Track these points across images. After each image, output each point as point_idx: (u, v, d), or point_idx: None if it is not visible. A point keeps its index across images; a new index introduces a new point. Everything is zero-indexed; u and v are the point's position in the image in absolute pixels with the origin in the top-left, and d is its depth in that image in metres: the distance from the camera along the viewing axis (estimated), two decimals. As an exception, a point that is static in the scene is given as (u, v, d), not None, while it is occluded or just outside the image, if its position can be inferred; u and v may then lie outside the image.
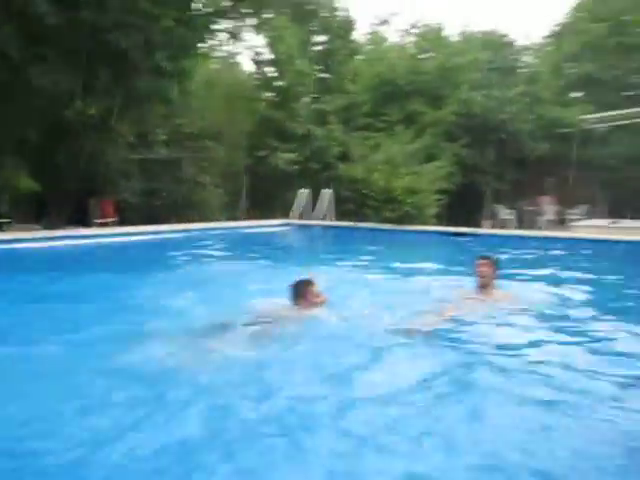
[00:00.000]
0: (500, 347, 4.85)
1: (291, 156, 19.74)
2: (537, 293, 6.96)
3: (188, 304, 5.92)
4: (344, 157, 20.55)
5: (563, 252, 12.91)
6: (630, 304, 6.85)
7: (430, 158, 20.86)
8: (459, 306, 6.05)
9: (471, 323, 5.55)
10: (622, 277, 8.80)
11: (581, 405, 3.74)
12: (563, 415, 3.57)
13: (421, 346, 4.88)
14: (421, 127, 21.62)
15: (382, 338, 4.95)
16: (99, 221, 15.44)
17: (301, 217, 17.45)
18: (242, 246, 12.82)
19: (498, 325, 5.57)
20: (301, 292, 5.66)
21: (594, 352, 4.80)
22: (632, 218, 19.70)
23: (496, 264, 6.63)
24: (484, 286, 6.46)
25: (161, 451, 3.05)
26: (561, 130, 25.99)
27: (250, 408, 3.59)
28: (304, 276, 5.86)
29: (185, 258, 10.09)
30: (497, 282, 6.60)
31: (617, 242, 14.36)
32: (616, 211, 23.06)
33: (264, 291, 6.34)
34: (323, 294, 5.70)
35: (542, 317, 5.84)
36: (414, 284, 7.50)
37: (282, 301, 5.63)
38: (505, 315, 5.82)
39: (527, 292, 6.88)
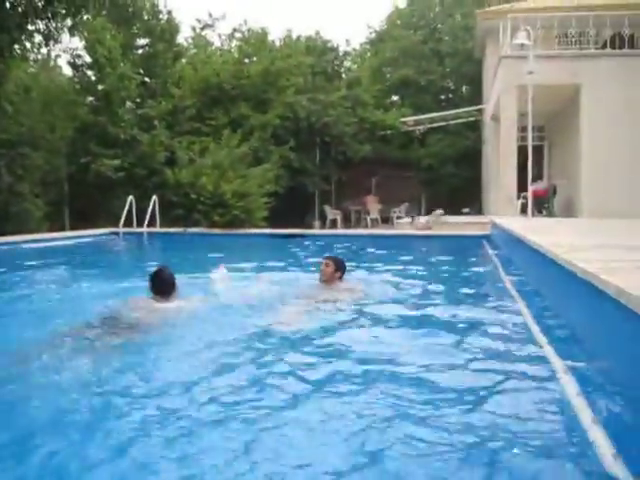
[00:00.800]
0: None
1: (115, 162, 19.22)
2: (376, 285, 7.68)
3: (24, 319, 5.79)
4: (171, 162, 20.30)
5: (390, 248, 13.77)
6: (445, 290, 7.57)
7: (258, 162, 21.15)
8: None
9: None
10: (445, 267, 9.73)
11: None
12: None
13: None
14: (248, 131, 21.82)
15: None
16: None
17: (129, 225, 17.05)
18: (66, 258, 12.39)
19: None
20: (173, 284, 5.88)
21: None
22: (446, 214, 21.01)
23: (339, 264, 7.23)
24: (326, 282, 7.10)
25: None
26: (382, 132, 27.18)
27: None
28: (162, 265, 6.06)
29: (5, 274, 9.63)
30: (347, 279, 7.29)
31: (436, 237, 15.40)
32: (433, 208, 24.53)
33: (98, 302, 6.22)
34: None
35: (371, 303, 6.48)
36: (256, 284, 7.81)
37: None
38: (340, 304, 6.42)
39: (371, 284, 7.58)
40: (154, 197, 17.84)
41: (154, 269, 6.03)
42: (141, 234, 16.86)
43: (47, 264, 10.90)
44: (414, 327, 5.57)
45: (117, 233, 16.78)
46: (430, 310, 6.27)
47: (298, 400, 3.64)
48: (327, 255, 7.46)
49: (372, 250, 13.50)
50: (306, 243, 15.11)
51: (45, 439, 3.18)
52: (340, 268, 7.25)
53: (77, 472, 2.83)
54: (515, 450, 2.97)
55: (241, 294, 6.95)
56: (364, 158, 26.27)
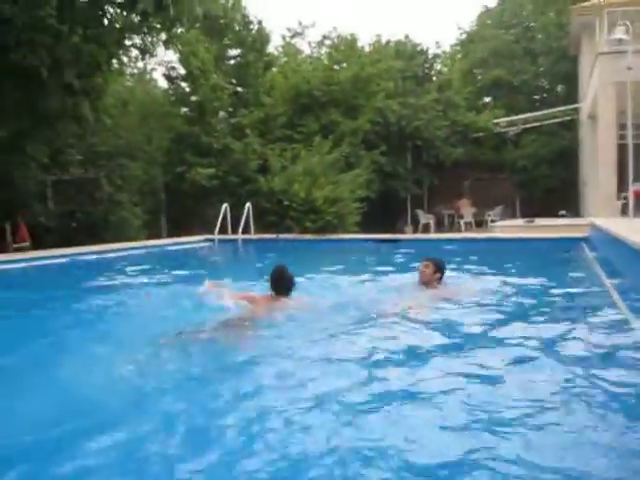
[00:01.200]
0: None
1: (210, 171, 19.65)
2: (475, 288, 7.56)
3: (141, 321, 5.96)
4: (264, 170, 20.57)
5: (485, 251, 13.68)
6: (551, 300, 7.19)
7: (349, 167, 21.18)
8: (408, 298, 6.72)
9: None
10: (541, 273, 9.14)
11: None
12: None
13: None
14: (339, 137, 21.89)
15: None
16: (15, 246, 14.96)
17: (223, 232, 17.36)
18: (165, 264, 12.63)
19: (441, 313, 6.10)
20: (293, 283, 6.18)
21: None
22: (541, 216, 20.53)
23: (438, 265, 7.27)
24: (426, 283, 7.15)
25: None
26: (475, 134, 26.78)
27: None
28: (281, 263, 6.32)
29: (112, 279, 9.93)
30: (446, 281, 7.33)
31: (534, 240, 15.17)
32: (527, 210, 23.99)
33: (199, 307, 6.27)
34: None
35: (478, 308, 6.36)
36: (360, 286, 7.91)
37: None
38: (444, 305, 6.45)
39: (470, 286, 7.58)
40: (248, 204, 18.08)
41: (275, 268, 6.33)
42: (235, 241, 17.07)
43: (148, 269, 11.13)
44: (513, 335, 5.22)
45: (212, 240, 17.02)
46: (533, 318, 6.03)
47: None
48: (427, 257, 7.42)
49: (467, 254, 13.23)
50: (400, 248, 14.88)
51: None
52: (440, 269, 7.24)
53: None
54: None
55: (346, 294, 7.11)
56: (456, 161, 25.96)
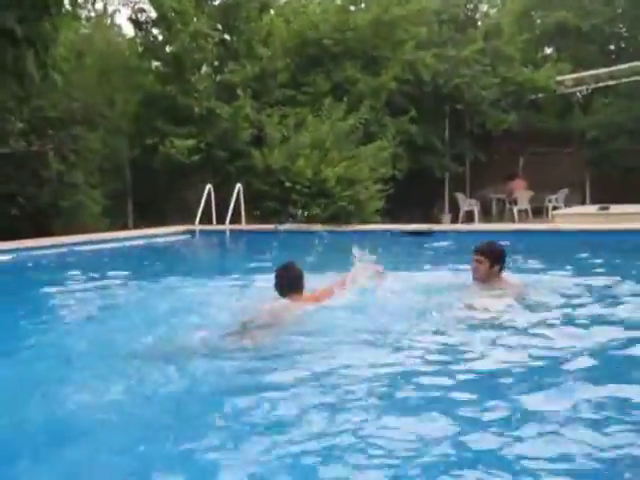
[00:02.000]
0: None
1: (189, 143, 19.56)
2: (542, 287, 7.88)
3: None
4: (259, 141, 20.57)
5: (547, 247, 13.77)
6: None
7: (369, 138, 21.23)
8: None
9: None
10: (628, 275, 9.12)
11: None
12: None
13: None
14: (356, 99, 21.84)
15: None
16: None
17: (207, 221, 17.34)
18: (130, 264, 12.66)
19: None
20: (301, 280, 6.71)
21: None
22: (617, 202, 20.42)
23: (495, 256, 7.44)
24: (482, 281, 7.41)
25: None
26: (532, 96, 26.63)
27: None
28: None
29: (70, 283, 9.97)
30: (506, 274, 7.63)
31: (610, 233, 15.09)
32: (600, 194, 23.74)
33: (185, 315, 6.74)
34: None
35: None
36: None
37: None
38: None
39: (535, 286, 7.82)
40: (238, 186, 18.02)
41: (283, 265, 6.91)
42: (222, 232, 17.09)
43: (106, 272, 11.07)
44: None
45: (193, 232, 17.08)
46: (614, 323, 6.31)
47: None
48: (477, 247, 7.47)
49: (523, 251, 13.10)
50: (435, 242, 14.95)
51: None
52: (497, 261, 7.37)
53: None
54: None
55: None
56: (508, 131, 25.84)
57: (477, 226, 20.90)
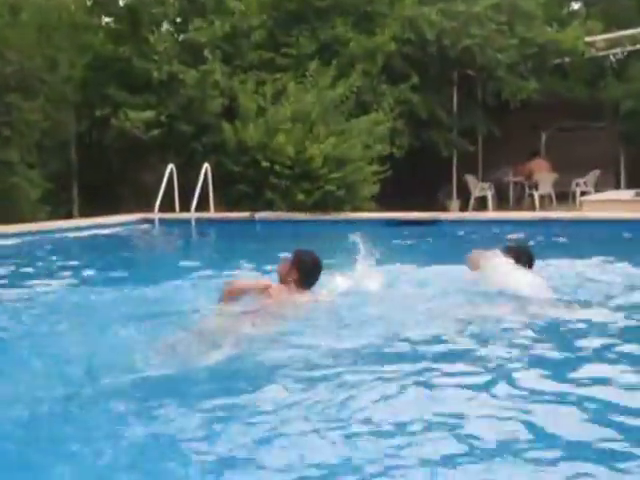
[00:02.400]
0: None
1: (147, 115, 19.55)
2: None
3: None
4: (230, 113, 20.58)
5: (575, 239, 14.02)
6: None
7: (363, 109, 21.25)
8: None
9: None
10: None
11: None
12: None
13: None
14: (347, 62, 21.84)
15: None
16: None
17: (168, 208, 17.35)
18: (76, 259, 12.73)
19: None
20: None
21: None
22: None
23: (524, 257, 7.83)
24: None
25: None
26: (557, 60, 26.57)
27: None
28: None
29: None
30: None
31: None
32: (637, 177, 23.70)
33: (137, 322, 6.84)
34: None
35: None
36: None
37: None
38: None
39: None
40: (206, 166, 18.05)
41: (303, 254, 7.65)
42: (187, 222, 17.22)
43: (45, 269, 11.20)
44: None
45: (151, 221, 17.21)
46: None
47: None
48: (508, 244, 8.03)
49: (545, 244, 13.25)
50: (440, 235, 15.36)
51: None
52: (524, 262, 7.69)
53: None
54: None
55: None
56: (529, 101, 25.73)
57: (491, 214, 21.07)
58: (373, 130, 20.25)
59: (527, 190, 25.27)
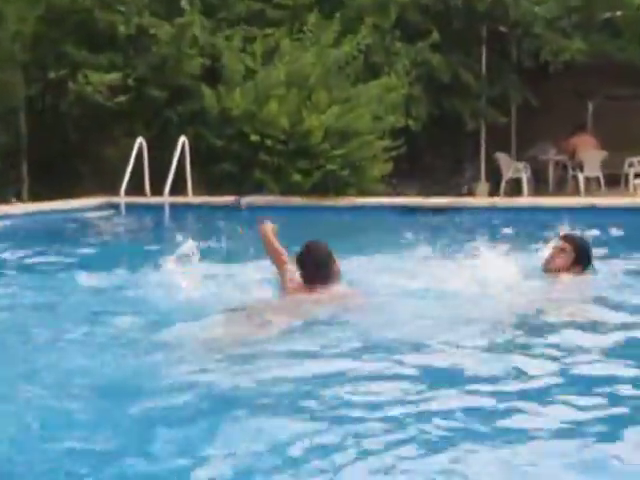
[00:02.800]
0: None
1: (112, 77, 19.47)
2: None
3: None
4: (212, 76, 20.62)
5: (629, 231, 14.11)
6: None
7: (372, 72, 21.35)
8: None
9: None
10: None
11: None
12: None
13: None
14: (353, 15, 21.88)
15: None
16: None
17: (136, 191, 17.33)
18: (33, 250, 12.78)
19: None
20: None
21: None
22: None
23: (582, 251, 8.35)
24: (554, 271, 8.31)
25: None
26: (606, 14, 26.46)
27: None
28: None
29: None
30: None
31: None
32: None
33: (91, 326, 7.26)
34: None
35: None
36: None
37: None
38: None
39: None
40: (182, 140, 18.01)
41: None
42: (159, 208, 17.30)
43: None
44: None
45: (116, 206, 17.26)
46: None
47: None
48: (566, 234, 8.39)
49: (597, 236, 13.16)
50: (461, 227, 15.03)
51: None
52: (582, 258, 8.23)
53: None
54: None
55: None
56: (572, 64, 25.68)
57: (526, 200, 21.10)
58: (385, 97, 20.28)
59: (570, 171, 25.27)
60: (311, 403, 5.48)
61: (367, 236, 14.47)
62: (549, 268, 8.14)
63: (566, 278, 8.17)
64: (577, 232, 8.95)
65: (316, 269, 7.83)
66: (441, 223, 15.55)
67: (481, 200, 20.94)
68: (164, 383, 5.76)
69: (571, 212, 16.77)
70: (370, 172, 19.75)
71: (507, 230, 13.54)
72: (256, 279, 9.21)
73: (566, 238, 8.21)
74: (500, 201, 20.47)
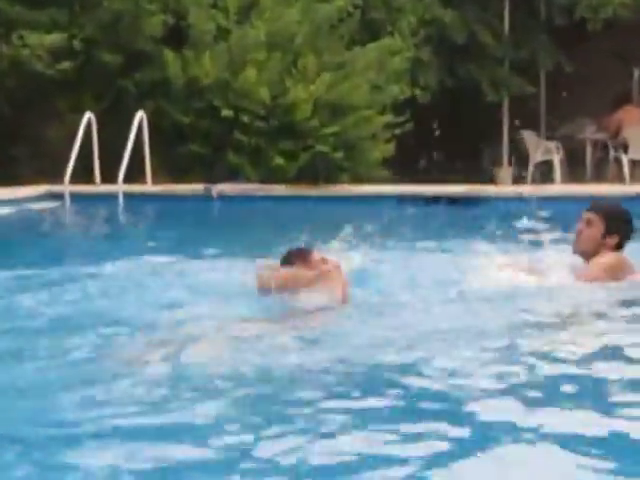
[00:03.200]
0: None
1: (53, 39, 19.41)
2: None
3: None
4: (177, 37, 20.68)
5: None
6: None
7: (372, 32, 21.53)
8: None
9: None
10: None
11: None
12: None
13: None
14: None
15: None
16: None
17: (82, 178, 17.29)
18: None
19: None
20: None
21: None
22: None
23: (613, 221, 8.37)
24: (584, 253, 8.39)
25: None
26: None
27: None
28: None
29: None
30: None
31: None
32: None
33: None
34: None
35: None
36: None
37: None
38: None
39: None
40: (140, 115, 17.97)
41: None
42: (112, 198, 17.36)
43: None
44: None
45: (60, 196, 17.29)
46: None
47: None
48: (592, 203, 8.59)
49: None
50: (483, 216, 15.20)
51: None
52: (618, 229, 8.28)
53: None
54: None
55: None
56: (614, 22, 25.75)
57: (559, 189, 21.02)
58: (386, 63, 20.30)
59: (612, 152, 25.05)
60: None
61: (364, 233, 14.40)
62: (577, 249, 8.24)
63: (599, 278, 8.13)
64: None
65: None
66: (454, 216, 15.81)
67: (503, 189, 20.96)
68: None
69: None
70: (368, 154, 19.82)
71: (535, 224, 13.21)
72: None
73: (591, 207, 8.27)
74: (527, 189, 20.39)
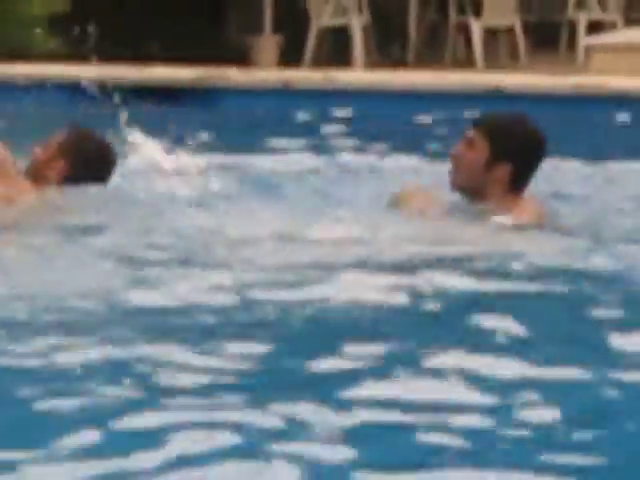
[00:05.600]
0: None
1: None
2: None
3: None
4: None
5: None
6: None
7: None
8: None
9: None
10: None
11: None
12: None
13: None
14: None
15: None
16: None
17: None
18: None
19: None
20: None
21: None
22: None
23: (501, 140, 7.88)
24: (460, 188, 8.07)
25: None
26: None
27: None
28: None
29: None
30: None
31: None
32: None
33: None
34: None
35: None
36: None
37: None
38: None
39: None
40: None
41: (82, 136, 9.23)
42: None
43: None
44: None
45: None
46: None
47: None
48: (476, 118, 8.40)
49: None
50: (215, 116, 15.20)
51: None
52: (504, 150, 7.73)
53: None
54: None
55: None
56: None
57: (358, 76, 19.40)
58: None
59: (452, 15, 22.93)
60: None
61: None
62: (454, 182, 7.40)
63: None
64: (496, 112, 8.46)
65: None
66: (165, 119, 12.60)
67: (262, 74, 17.60)
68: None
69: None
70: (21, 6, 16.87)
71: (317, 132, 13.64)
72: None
73: (475, 121, 7.74)
74: (303, 75, 17.88)
